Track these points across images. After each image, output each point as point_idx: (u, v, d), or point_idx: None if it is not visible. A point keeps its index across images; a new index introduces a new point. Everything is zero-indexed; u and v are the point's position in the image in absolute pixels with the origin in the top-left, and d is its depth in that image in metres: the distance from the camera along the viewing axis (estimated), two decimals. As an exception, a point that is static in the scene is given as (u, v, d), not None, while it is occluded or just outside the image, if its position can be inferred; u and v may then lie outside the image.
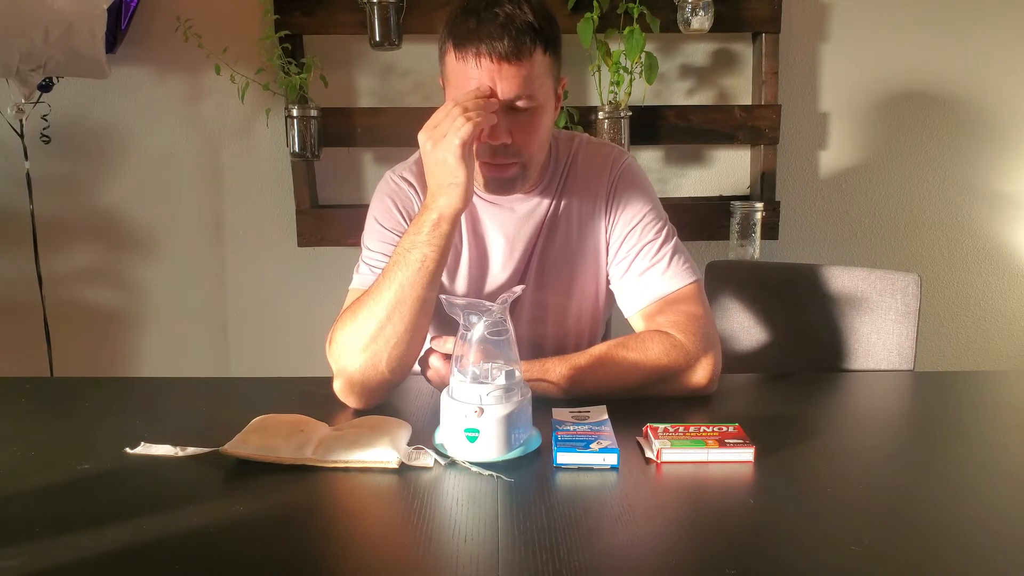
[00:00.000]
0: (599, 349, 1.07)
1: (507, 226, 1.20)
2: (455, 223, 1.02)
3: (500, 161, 1.09)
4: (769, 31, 1.94)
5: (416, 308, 1.01)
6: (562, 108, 1.86)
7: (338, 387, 1.05)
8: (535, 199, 1.20)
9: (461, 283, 1.21)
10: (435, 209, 1.01)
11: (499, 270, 1.20)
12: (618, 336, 1.11)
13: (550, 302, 1.22)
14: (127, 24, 1.85)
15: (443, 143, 0.98)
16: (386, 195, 1.21)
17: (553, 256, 1.21)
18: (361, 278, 1.16)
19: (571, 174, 1.21)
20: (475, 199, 1.20)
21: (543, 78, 1.06)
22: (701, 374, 1.07)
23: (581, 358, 1.06)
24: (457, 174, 0.99)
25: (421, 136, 1.01)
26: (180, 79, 1.98)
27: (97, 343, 2.10)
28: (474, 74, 1.03)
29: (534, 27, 1.03)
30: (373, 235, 1.19)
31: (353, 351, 1.02)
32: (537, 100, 1.06)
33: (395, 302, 1.01)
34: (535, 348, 1.22)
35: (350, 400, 1.05)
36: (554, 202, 1.21)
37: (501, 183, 1.12)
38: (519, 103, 1.05)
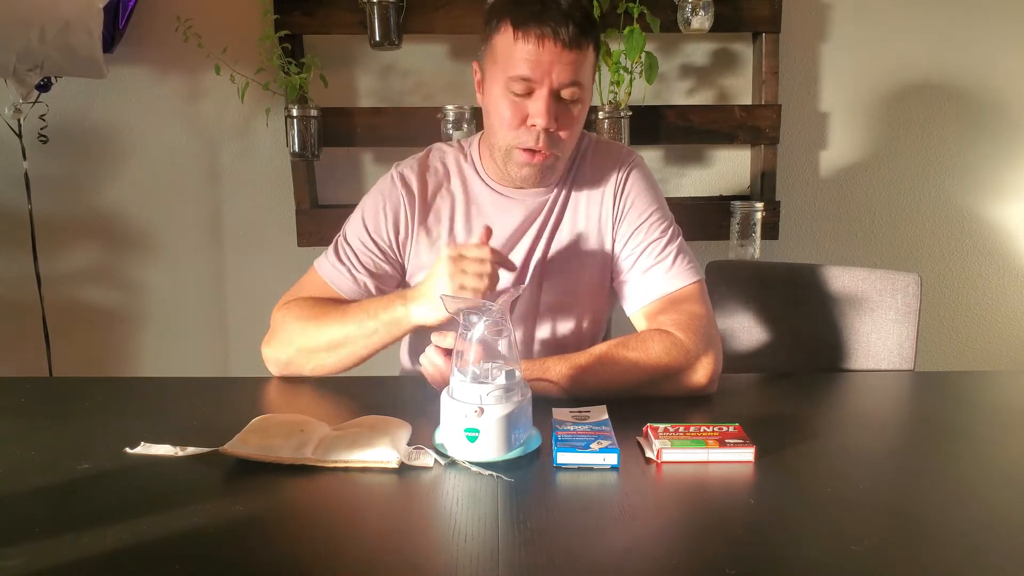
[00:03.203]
0: (600, 348, 1.07)
1: (511, 218, 1.20)
2: (414, 328, 1.09)
3: (541, 148, 1.10)
4: (769, 31, 1.94)
5: (352, 357, 1.12)
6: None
7: (265, 348, 1.17)
8: (548, 193, 1.21)
9: None
10: (406, 310, 1.07)
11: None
12: (618, 336, 1.12)
13: (553, 300, 1.22)
14: (125, 24, 1.85)
15: (465, 280, 1.01)
16: (381, 193, 1.23)
17: (558, 253, 1.21)
18: (329, 265, 1.21)
19: (579, 172, 1.22)
20: (482, 188, 1.21)
21: (591, 72, 1.10)
22: (701, 373, 1.08)
23: (582, 357, 1.06)
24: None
25: (449, 252, 1.02)
26: (179, 79, 1.98)
27: (97, 343, 2.10)
28: (534, 56, 1.05)
29: (591, 20, 1.07)
30: (354, 229, 1.23)
31: (288, 343, 1.14)
32: (583, 91, 1.09)
33: (336, 343, 1.11)
34: (535, 347, 1.22)
35: (268, 363, 1.17)
36: (561, 199, 1.21)
37: (537, 172, 1.13)
38: (568, 91, 1.07)
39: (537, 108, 1.06)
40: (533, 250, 1.20)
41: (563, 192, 1.21)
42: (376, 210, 1.22)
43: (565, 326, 1.23)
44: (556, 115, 1.07)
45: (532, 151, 1.10)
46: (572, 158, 1.22)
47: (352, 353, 1.11)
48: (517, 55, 1.05)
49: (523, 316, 1.21)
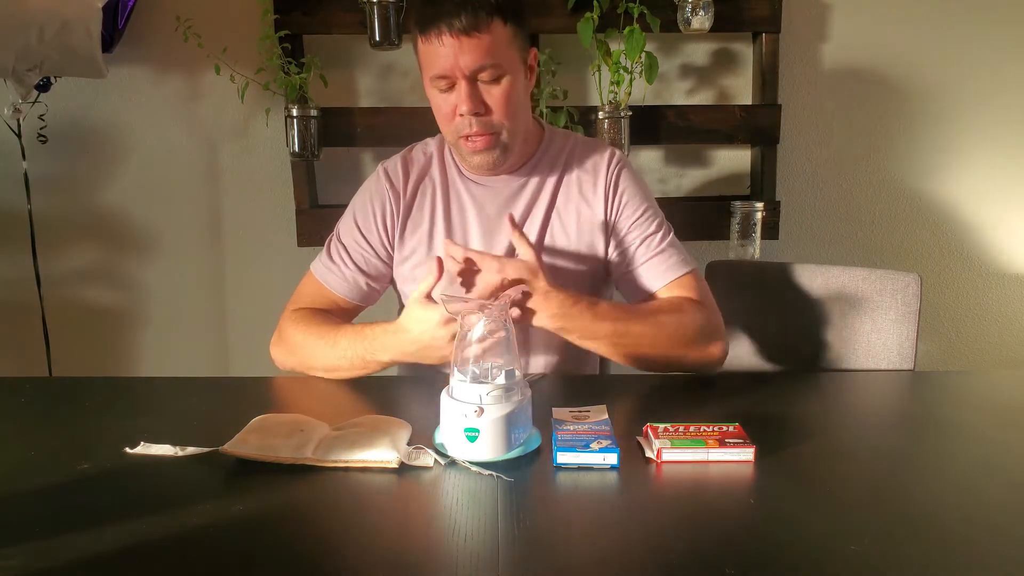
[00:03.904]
0: (639, 305, 1.16)
1: (488, 203, 1.24)
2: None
3: (479, 132, 1.14)
4: (769, 31, 1.94)
5: (347, 377, 1.14)
6: (562, 108, 1.87)
7: (273, 349, 1.23)
8: (520, 180, 1.24)
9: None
10: (391, 357, 1.10)
11: (477, 247, 1.23)
12: None
13: None
14: (125, 24, 1.85)
15: (444, 347, 1.03)
16: (368, 190, 1.28)
17: (548, 244, 1.24)
18: (322, 266, 1.25)
19: (567, 169, 1.25)
20: (457, 177, 1.26)
21: (506, 48, 1.11)
22: (719, 346, 1.15)
23: (622, 309, 1.12)
24: (442, 357, 1.05)
25: (428, 314, 1.03)
26: (179, 79, 1.98)
27: (96, 343, 2.10)
28: (440, 52, 1.09)
29: (490, 1, 1.09)
30: (346, 227, 1.27)
31: (291, 354, 1.19)
32: (502, 69, 1.12)
33: (330, 368, 1.14)
34: (531, 336, 1.23)
35: (275, 362, 1.22)
36: (547, 190, 1.24)
37: (485, 158, 1.17)
38: (484, 74, 1.11)
39: (459, 97, 1.12)
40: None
41: (547, 182, 1.24)
42: (364, 206, 1.27)
43: None
44: (479, 99, 1.12)
45: (472, 138, 1.15)
46: (559, 153, 1.26)
47: (347, 376, 1.15)
48: (428, 56, 1.11)
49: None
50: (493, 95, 1.12)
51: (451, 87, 1.12)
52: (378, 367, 1.13)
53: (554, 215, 1.24)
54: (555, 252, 1.23)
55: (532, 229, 1.23)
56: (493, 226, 1.23)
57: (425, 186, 1.26)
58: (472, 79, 1.11)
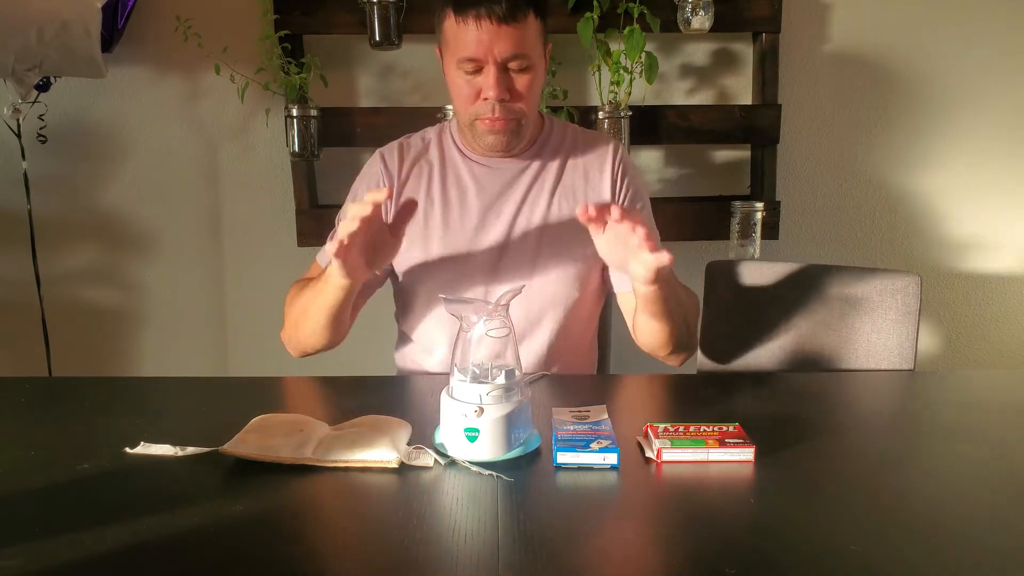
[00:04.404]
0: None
1: (489, 184, 1.25)
2: (349, 288, 1.11)
3: (500, 117, 1.16)
4: (769, 31, 1.94)
5: (318, 319, 1.16)
6: (562, 108, 1.87)
7: (281, 334, 1.26)
8: (523, 163, 1.26)
9: (435, 243, 1.25)
10: (329, 270, 1.11)
11: (477, 227, 1.24)
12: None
13: (544, 270, 1.24)
14: (124, 23, 1.85)
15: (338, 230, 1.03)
16: (365, 174, 1.31)
17: (548, 225, 1.25)
18: (323, 254, 1.28)
19: (571, 154, 1.28)
20: (458, 157, 1.28)
21: (535, 39, 1.15)
22: (696, 338, 1.25)
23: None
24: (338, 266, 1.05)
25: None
26: (179, 79, 1.98)
27: (96, 343, 2.10)
28: (474, 36, 1.11)
29: None
30: (343, 212, 1.28)
31: (286, 320, 1.24)
32: (531, 59, 1.15)
33: (304, 310, 1.18)
34: (528, 323, 1.23)
35: (287, 348, 1.26)
36: (549, 173, 1.26)
37: (500, 138, 1.19)
38: (514, 63, 1.14)
39: (487, 83, 1.14)
40: (517, 216, 1.25)
41: (549, 166, 1.26)
42: (359, 190, 1.30)
43: (558, 301, 1.25)
44: (507, 86, 1.15)
45: (492, 120, 1.17)
46: (560, 140, 1.28)
47: (316, 317, 1.16)
48: (460, 38, 1.13)
49: (522, 293, 1.24)
50: (520, 83, 1.16)
51: (478, 70, 1.14)
52: (330, 293, 1.12)
53: (557, 197, 1.26)
54: (557, 232, 1.25)
55: (536, 210, 1.25)
56: (494, 204, 1.25)
57: (421, 167, 1.28)
58: (503, 66, 1.13)
